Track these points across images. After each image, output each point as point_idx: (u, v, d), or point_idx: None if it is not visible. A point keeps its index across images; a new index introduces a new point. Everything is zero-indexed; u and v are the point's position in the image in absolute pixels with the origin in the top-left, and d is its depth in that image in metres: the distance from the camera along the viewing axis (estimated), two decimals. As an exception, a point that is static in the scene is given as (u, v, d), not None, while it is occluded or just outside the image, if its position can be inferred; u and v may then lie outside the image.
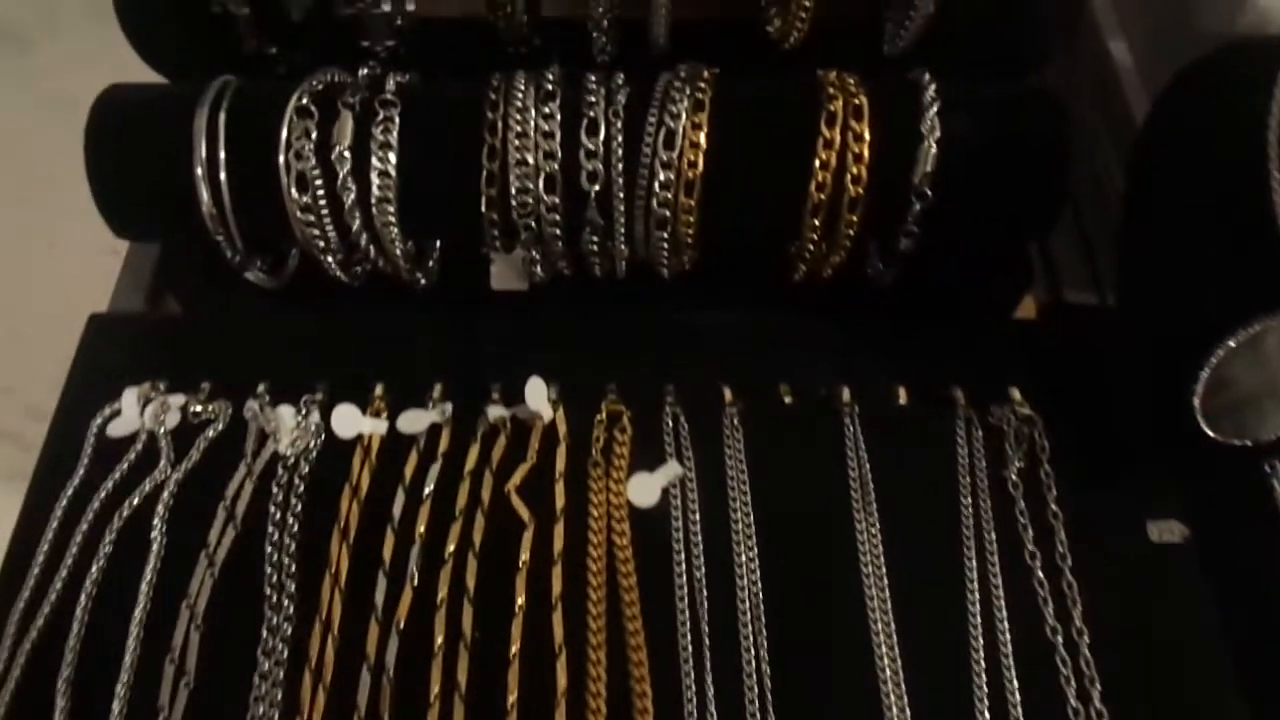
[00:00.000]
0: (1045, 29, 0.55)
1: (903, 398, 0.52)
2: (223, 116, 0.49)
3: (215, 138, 0.49)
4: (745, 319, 0.56)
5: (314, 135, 0.48)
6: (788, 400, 0.52)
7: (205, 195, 0.49)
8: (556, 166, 0.48)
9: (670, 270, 0.53)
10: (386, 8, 0.52)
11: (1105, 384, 0.51)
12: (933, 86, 0.49)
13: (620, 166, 0.48)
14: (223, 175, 0.49)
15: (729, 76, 0.50)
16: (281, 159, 0.48)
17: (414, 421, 0.50)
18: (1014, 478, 0.50)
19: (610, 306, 0.56)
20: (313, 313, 0.56)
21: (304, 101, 0.48)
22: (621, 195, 0.49)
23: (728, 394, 0.52)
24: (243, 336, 0.55)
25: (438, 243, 0.53)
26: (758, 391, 0.52)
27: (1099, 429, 0.50)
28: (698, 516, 0.48)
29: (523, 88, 0.49)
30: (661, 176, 0.48)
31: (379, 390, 0.52)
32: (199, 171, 0.49)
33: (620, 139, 0.48)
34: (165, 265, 0.58)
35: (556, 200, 0.49)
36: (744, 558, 0.47)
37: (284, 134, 0.48)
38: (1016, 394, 0.51)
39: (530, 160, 0.48)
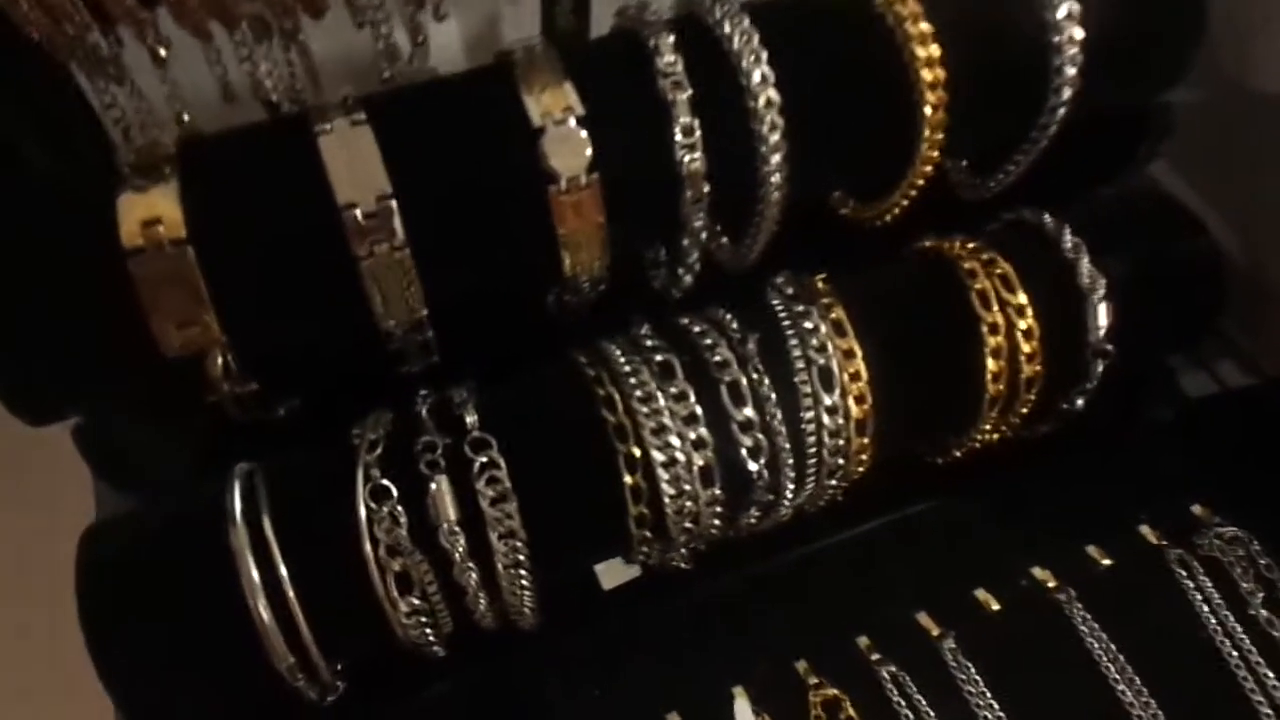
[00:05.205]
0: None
1: (1101, 558, 0.46)
2: (267, 524, 0.36)
3: (268, 556, 0.36)
4: (888, 525, 0.48)
5: (403, 520, 0.36)
6: (995, 607, 0.45)
7: (276, 638, 0.36)
8: (711, 453, 0.38)
9: (825, 502, 0.45)
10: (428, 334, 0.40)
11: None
12: (1067, 232, 0.43)
13: (784, 430, 0.39)
14: (290, 593, 0.36)
15: (837, 276, 0.43)
16: (370, 554, 0.36)
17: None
18: (1264, 612, 0.44)
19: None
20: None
21: (376, 477, 0.36)
22: (791, 461, 0.40)
23: (930, 625, 0.44)
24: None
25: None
26: (958, 604, 0.45)
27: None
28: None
29: (627, 366, 0.39)
30: (828, 423, 0.40)
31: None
32: (260, 603, 0.36)
33: (774, 397, 0.39)
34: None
35: (717, 491, 0.39)
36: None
37: (363, 525, 0.36)
38: (1201, 510, 0.47)
39: (680, 457, 0.38)
